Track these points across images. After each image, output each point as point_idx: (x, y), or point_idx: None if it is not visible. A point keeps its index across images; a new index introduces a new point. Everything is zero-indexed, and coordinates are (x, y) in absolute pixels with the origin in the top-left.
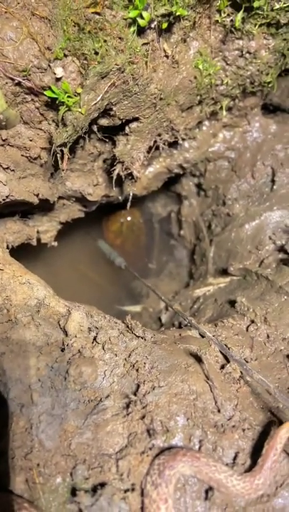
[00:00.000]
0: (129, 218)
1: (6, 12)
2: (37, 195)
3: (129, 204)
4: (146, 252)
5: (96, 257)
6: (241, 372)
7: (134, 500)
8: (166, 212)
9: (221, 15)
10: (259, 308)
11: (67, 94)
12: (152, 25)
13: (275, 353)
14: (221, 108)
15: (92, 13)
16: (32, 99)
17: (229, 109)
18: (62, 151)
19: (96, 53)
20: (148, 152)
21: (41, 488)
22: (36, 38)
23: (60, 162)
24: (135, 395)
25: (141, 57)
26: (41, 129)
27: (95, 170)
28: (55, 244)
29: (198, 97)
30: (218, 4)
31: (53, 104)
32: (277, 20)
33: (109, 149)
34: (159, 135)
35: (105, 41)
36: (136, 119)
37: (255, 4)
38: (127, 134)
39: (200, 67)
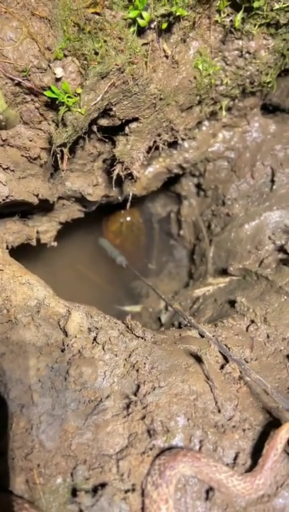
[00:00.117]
0: (128, 218)
1: (5, 12)
2: (37, 196)
3: (128, 204)
4: (146, 252)
5: (96, 257)
6: (241, 372)
7: (135, 500)
8: (165, 213)
9: (220, 15)
10: (259, 309)
11: (67, 95)
12: (152, 26)
13: (275, 353)
14: (221, 108)
15: (92, 13)
16: (32, 100)
17: (229, 109)
18: (62, 151)
19: (96, 53)
20: (148, 152)
21: (42, 488)
22: (36, 38)
23: (59, 162)
24: (135, 395)
25: (141, 58)
26: (41, 130)
27: (95, 170)
28: (55, 244)
29: (198, 97)
30: (217, 4)
31: (52, 105)
32: (276, 20)
33: (109, 149)
34: (159, 135)
35: (105, 41)
36: (136, 119)
37: (255, 4)
38: (126, 134)
39: (200, 67)
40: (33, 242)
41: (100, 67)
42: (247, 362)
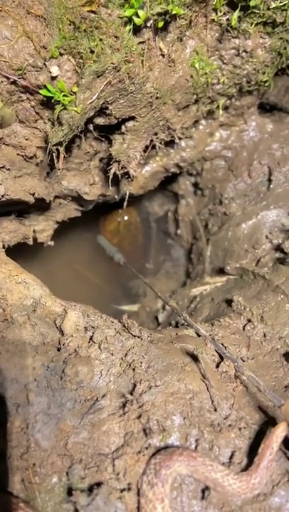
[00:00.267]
0: (126, 217)
1: (1, 10)
2: (33, 195)
3: (125, 203)
4: (144, 251)
5: (93, 257)
6: (236, 370)
7: (131, 499)
8: (163, 212)
9: (217, 14)
10: (256, 308)
11: (62, 93)
12: (148, 24)
13: (272, 351)
14: (218, 107)
15: (88, 11)
16: (27, 98)
17: (226, 108)
18: (58, 150)
19: (92, 52)
20: (144, 151)
21: (37, 488)
22: (32, 36)
23: (55, 161)
24: (131, 394)
25: (137, 56)
26: (37, 128)
27: (92, 169)
28: (52, 243)
29: (195, 96)
30: (214, 3)
31: (48, 103)
32: (273, 19)
33: (106, 148)
34: (156, 134)
35: (101, 40)
36: (132, 118)
37: (252, 3)
38: (123, 133)
39: (196, 66)
40: (30, 242)
41: (96, 66)
42: (243, 361)
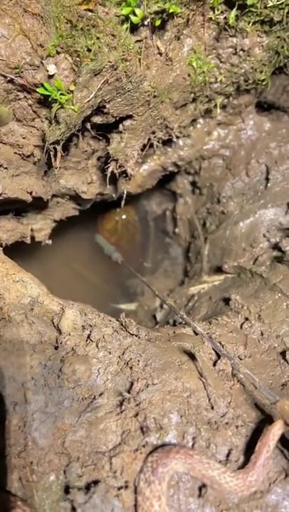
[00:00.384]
0: (124, 216)
1: None
2: (30, 193)
3: (123, 202)
4: (142, 250)
5: (91, 255)
6: (232, 367)
7: (128, 497)
8: (161, 211)
9: (214, 12)
10: (253, 306)
11: (60, 92)
12: (145, 23)
13: (269, 350)
14: (215, 106)
15: (85, 10)
16: (25, 97)
17: (223, 106)
18: (55, 148)
19: (89, 50)
20: (142, 150)
21: (35, 486)
22: (29, 35)
23: (53, 160)
24: (129, 392)
25: (134, 55)
26: (34, 127)
27: (89, 168)
28: (50, 242)
29: (192, 95)
30: (211, 1)
31: (45, 102)
32: (270, 17)
33: (103, 147)
34: (153, 133)
35: (98, 38)
36: (129, 117)
37: (249, 2)
38: (120, 132)
39: (194, 64)
40: (28, 240)
41: (93, 64)
42: (241, 359)
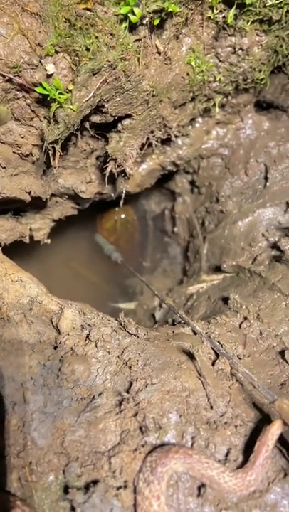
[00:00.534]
0: (123, 216)
1: None
2: (29, 193)
3: (122, 201)
4: (140, 249)
5: (90, 255)
6: (231, 366)
7: (127, 497)
8: (159, 210)
9: (213, 11)
10: (252, 305)
11: (58, 91)
12: (144, 22)
13: (268, 349)
14: (214, 105)
15: (83, 9)
16: (23, 96)
17: (222, 106)
18: (54, 148)
19: (87, 50)
20: (141, 149)
21: (34, 486)
22: (27, 34)
23: (51, 159)
24: (128, 392)
25: (133, 54)
26: (33, 126)
27: (88, 167)
28: (48, 241)
29: (191, 94)
30: (210, 1)
31: (44, 101)
32: (269, 16)
33: (102, 146)
34: (152, 132)
35: (97, 37)
36: (128, 116)
37: (248, 1)
38: (119, 131)
39: (192, 63)
40: (26, 240)
41: (92, 64)
42: (240, 358)
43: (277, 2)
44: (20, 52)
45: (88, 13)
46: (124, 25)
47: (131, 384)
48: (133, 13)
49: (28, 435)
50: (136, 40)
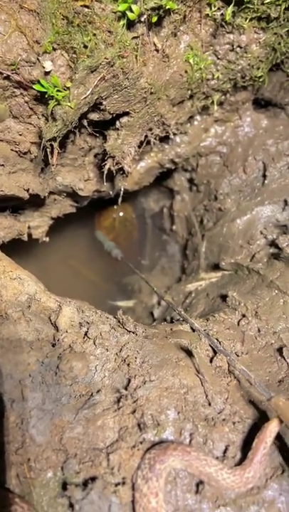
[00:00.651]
0: (121, 214)
1: None
2: (27, 190)
3: (120, 199)
4: (139, 247)
5: (88, 253)
6: (228, 363)
7: (125, 493)
8: (158, 208)
9: (211, 8)
10: (250, 303)
11: (56, 88)
12: (142, 19)
13: (266, 346)
14: (212, 103)
15: (81, 6)
16: (21, 93)
17: (220, 103)
18: (52, 145)
19: (85, 47)
20: (139, 147)
21: (32, 482)
22: (25, 31)
23: (50, 157)
24: (126, 389)
25: (131, 51)
26: (31, 124)
27: (86, 165)
28: (47, 239)
29: (189, 92)
30: None
31: (42, 98)
32: (267, 14)
33: (100, 144)
34: (150, 130)
35: (94, 35)
36: (126, 114)
37: None
38: (117, 129)
39: (191, 61)
40: (25, 238)
41: (90, 61)
42: (238, 356)
43: None
44: (18, 50)
45: (86, 10)
46: (122, 22)
47: (129, 381)
48: (131, 11)
49: (27, 432)
50: (134, 38)
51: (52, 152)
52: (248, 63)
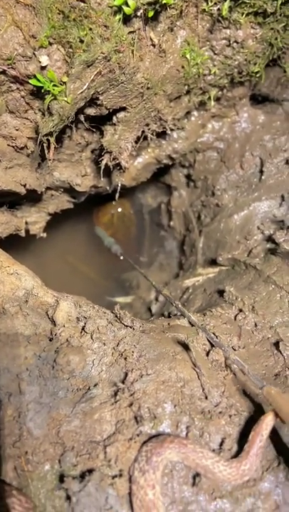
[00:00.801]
0: (119, 209)
1: None
2: (24, 185)
3: (117, 194)
4: (137, 244)
5: (86, 249)
6: (223, 355)
7: (122, 486)
8: (156, 203)
9: (207, 3)
10: (247, 298)
11: (52, 83)
12: (138, 14)
13: (263, 341)
14: (209, 98)
15: (77, 0)
16: (17, 88)
17: (217, 99)
18: (48, 140)
19: (81, 41)
20: (136, 142)
21: (30, 475)
22: (21, 25)
23: (46, 152)
24: (123, 382)
25: (127, 46)
26: (27, 119)
27: (83, 160)
28: (44, 235)
29: (186, 87)
30: None
31: (38, 93)
32: (264, 9)
33: (97, 139)
34: (147, 125)
35: (90, 29)
36: (123, 109)
37: None
38: (114, 124)
39: (187, 56)
40: (22, 233)
41: (86, 56)
42: (234, 350)
43: None
44: (14, 44)
45: (82, 4)
46: (118, 17)
47: (126, 375)
48: (127, 5)
49: (24, 425)
50: (130, 32)
51: (48, 147)
52: (244, 58)
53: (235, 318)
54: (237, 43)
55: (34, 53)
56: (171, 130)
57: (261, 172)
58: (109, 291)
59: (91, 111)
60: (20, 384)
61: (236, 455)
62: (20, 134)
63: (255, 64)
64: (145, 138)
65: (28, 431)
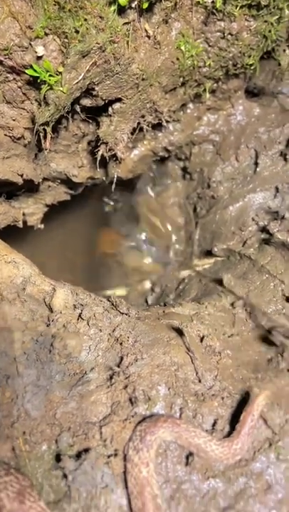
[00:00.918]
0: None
1: None
2: (21, 176)
3: (113, 186)
4: None
5: (84, 242)
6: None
7: (117, 464)
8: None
9: None
10: (242, 287)
11: (48, 73)
12: (133, 5)
13: (256, 328)
14: (205, 90)
15: None
16: (14, 79)
17: (213, 91)
18: (45, 130)
19: (77, 32)
20: (132, 133)
21: (27, 455)
22: (17, 16)
23: (43, 141)
24: (118, 366)
25: (122, 37)
26: (24, 109)
27: (80, 151)
28: (42, 226)
29: (181, 79)
30: None
31: (35, 83)
32: (258, 1)
33: (93, 130)
34: (143, 116)
35: (86, 20)
36: (119, 100)
37: None
38: (110, 115)
39: (182, 48)
40: (20, 224)
41: (81, 46)
42: (229, 337)
43: None
44: (10, 35)
45: None
46: (112, 8)
47: (122, 359)
48: None
49: (22, 407)
50: (125, 24)
51: (45, 137)
52: (239, 51)
53: (230, 307)
54: (231, 35)
55: (30, 44)
56: (167, 122)
57: (256, 164)
58: (107, 285)
59: (87, 101)
60: (18, 367)
61: (228, 435)
62: (17, 124)
63: (249, 56)
64: (141, 129)
65: (25, 412)
